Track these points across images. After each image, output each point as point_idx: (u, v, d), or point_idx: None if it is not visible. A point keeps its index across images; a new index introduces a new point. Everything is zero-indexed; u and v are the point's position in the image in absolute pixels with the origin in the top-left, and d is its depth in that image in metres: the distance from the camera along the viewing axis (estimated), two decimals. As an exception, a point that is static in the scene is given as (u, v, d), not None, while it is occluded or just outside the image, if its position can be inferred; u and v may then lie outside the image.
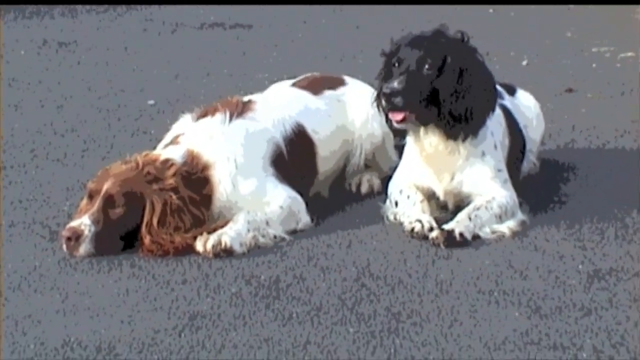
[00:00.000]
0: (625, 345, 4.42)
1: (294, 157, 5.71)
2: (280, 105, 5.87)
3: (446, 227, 5.41)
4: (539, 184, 6.05)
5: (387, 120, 5.50)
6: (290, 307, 4.79)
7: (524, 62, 8.30)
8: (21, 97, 8.14)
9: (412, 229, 5.44)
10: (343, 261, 5.23)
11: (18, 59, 9.37)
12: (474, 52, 5.52)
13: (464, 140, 5.48)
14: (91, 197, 5.40)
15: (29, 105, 7.88)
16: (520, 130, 5.90)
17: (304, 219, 5.60)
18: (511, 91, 6.16)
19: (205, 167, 5.50)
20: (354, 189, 6.14)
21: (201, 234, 5.35)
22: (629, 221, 5.59)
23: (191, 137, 5.61)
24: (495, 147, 5.58)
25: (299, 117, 5.83)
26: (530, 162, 6.10)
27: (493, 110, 5.53)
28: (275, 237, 5.46)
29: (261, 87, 6.25)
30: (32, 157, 6.79)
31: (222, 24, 10.44)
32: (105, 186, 5.36)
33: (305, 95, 6.01)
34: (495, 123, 5.59)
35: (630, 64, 8.22)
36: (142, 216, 5.35)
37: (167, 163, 5.44)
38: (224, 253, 5.28)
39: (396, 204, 5.62)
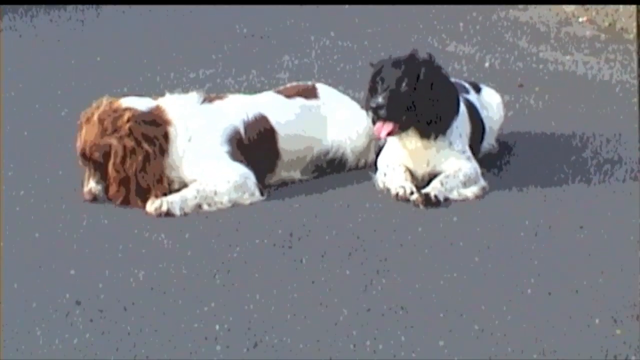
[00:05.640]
0: (560, 283, 4.40)
1: (254, 139, 5.51)
2: (250, 100, 5.71)
3: (424, 191, 5.36)
4: (497, 159, 5.99)
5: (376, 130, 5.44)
6: (300, 255, 4.74)
7: (486, 64, 8.23)
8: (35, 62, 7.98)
9: (397, 194, 5.39)
10: (343, 219, 5.18)
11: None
12: (440, 69, 5.48)
13: (435, 138, 5.45)
14: (83, 157, 5.36)
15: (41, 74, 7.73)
16: (481, 119, 5.84)
17: (253, 193, 5.37)
18: (477, 88, 6.10)
19: (166, 122, 5.38)
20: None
21: (156, 195, 5.28)
22: (565, 186, 5.54)
23: (166, 100, 5.52)
24: (460, 135, 5.54)
25: (264, 109, 5.61)
26: (490, 144, 6.03)
27: (457, 113, 5.49)
28: (222, 204, 5.30)
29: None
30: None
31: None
32: (87, 149, 5.31)
33: (276, 96, 5.80)
34: (460, 117, 5.54)
35: (568, 65, 8.17)
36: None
37: (122, 111, 5.33)
38: (165, 215, 5.18)
39: (384, 174, 5.57)
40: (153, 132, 5.34)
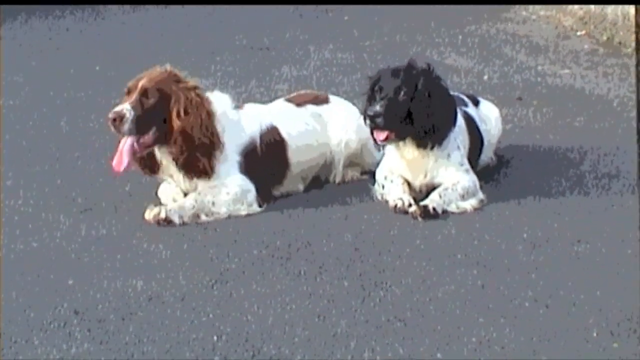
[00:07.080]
0: (558, 296, 4.39)
1: (265, 151, 5.58)
2: (264, 110, 5.79)
3: (422, 203, 5.37)
4: (495, 172, 6.00)
5: (373, 137, 5.47)
6: (299, 266, 4.75)
7: (485, 77, 8.25)
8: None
9: (395, 206, 5.40)
10: (341, 230, 5.19)
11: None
12: (439, 80, 5.50)
13: (432, 148, 5.46)
14: (129, 92, 5.38)
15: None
16: (479, 131, 5.85)
17: (251, 205, 5.43)
18: (475, 102, 6.11)
19: (211, 112, 5.47)
20: (331, 180, 5.95)
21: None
22: (563, 199, 5.55)
23: (212, 94, 5.61)
24: (458, 147, 5.56)
25: (276, 120, 5.70)
26: (488, 157, 6.04)
27: (454, 124, 5.51)
28: (219, 215, 5.35)
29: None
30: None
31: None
32: (141, 83, 5.36)
33: (288, 106, 5.88)
34: (458, 130, 5.56)
35: (566, 78, 8.19)
36: (170, 109, 5.33)
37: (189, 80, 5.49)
38: (164, 222, 5.22)
39: (383, 186, 5.58)
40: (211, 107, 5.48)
